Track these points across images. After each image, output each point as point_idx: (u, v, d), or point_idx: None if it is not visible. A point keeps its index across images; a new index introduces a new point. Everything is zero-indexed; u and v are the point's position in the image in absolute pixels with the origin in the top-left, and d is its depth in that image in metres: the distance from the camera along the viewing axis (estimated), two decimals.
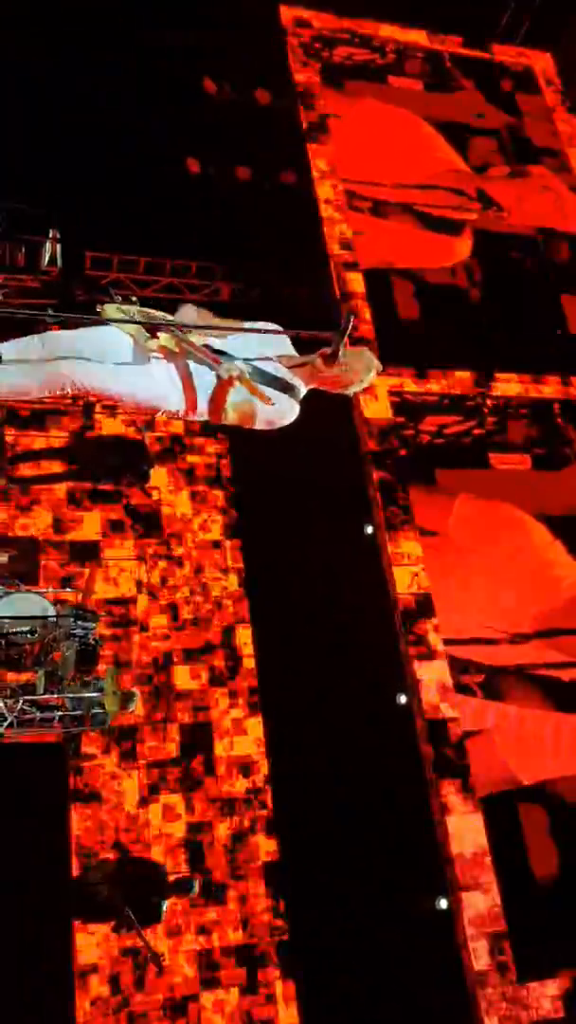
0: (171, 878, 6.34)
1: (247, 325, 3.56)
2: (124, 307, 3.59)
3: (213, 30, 9.60)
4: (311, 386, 3.60)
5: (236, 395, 3.44)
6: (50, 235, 8.09)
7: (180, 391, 3.51)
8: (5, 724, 5.60)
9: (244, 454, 8.24)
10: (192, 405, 3.54)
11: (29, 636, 5.77)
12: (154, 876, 6.28)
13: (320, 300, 8.93)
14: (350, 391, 3.65)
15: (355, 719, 7.06)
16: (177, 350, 3.47)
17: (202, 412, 3.57)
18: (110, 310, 3.52)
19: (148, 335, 3.49)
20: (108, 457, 7.96)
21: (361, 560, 7.89)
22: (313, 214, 9.47)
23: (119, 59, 8.91)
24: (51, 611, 5.92)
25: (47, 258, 8.24)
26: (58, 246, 8.15)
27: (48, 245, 8.12)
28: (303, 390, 3.57)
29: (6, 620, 5.77)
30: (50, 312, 4.17)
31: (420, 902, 6.69)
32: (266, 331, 3.49)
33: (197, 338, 3.52)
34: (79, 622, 5.96)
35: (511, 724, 7.45)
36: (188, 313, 3.62)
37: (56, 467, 7.86)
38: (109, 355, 3.54)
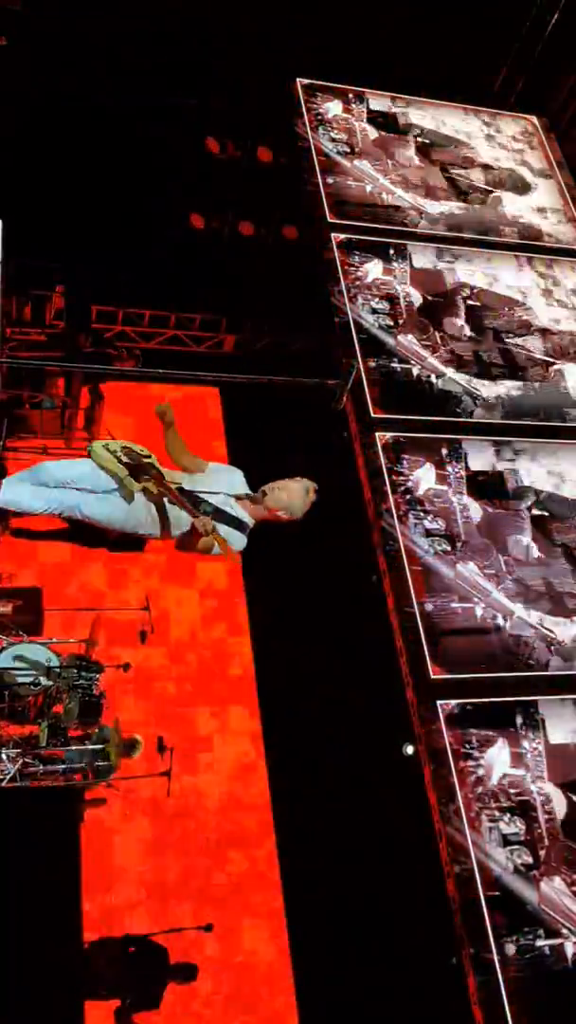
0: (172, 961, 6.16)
1: (212, 465, 4.53)
2: (110, 444, 4.42)
3: (217, 92, 9.84)
4: (256, 520, 4.42)
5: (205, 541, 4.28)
6: (56, 289, 8.21)
7: (159, 526, 4.43)
8: (7, 778, 5.52)
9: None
10: (167, 538, 4.50)
11: (32, 688, 5.72)
12: (157, 960, 6.12)
13: (324, 351, 8.99)
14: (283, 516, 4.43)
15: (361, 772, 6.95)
16: (157, 492, 4.28)
17: (176, 543, 4.52)
18: (97, 448, 4.37)
19: (135, 481, 4.28)
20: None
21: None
22: (318, 266, 9.58)
23: (124, 121, 9.13)
24: (55, 662, 5.87)
25: (53, 312, 8.36)
26: (64, 300, 8.27)
27: (54, 299, 8.24)
28: (251, 524, 4.40)
29: (7, 672, 5.72)
30: (55, 363, 4.31)
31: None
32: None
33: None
34: (82, 673, 5.91)
35: None
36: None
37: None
38: (102, 487, 4.38)
